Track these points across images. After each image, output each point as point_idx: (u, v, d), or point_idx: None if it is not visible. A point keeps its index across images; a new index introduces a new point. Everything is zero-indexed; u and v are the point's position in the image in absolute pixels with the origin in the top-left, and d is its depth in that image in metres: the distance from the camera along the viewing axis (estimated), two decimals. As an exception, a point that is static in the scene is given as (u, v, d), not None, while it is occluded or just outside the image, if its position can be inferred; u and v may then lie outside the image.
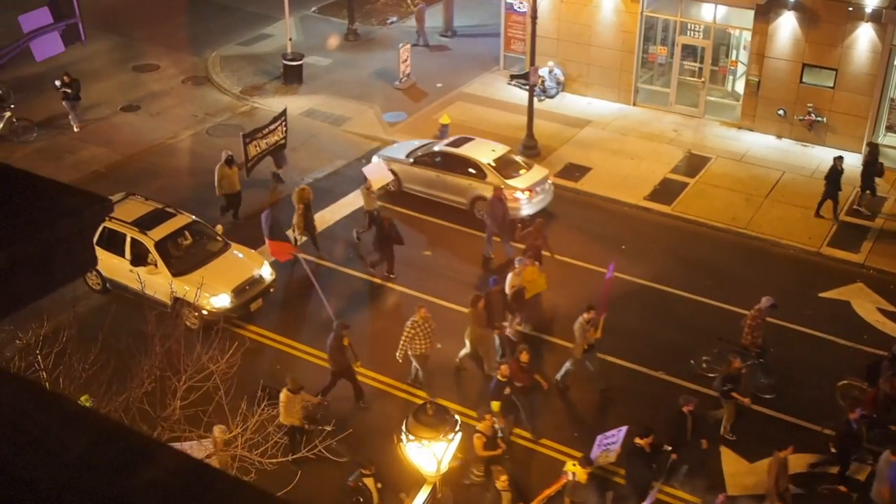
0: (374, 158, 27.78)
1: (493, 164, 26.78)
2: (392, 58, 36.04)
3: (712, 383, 19.86)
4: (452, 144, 28.01)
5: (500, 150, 27.60)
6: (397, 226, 24.75)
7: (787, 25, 30.09)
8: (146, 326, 15.39)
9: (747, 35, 31.46)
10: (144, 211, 23.84)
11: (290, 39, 35.91)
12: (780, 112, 31.00)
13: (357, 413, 20.31)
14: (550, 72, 33.88)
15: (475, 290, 21.98)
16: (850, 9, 28.86)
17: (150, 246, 22.84)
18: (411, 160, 27.92)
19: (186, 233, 23.74)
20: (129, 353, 15.26)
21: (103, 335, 15.34)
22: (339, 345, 19.78)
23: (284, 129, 28.74)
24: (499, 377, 18.74)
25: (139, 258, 22.84)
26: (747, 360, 19.97)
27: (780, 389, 20.56)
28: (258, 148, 27.93)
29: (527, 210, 26.30)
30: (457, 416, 11.52)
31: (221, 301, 22.35)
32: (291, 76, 35.56)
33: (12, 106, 32.11)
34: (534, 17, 29.09)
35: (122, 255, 22.97)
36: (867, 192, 27.49)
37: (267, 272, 23.57)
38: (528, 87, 30.22)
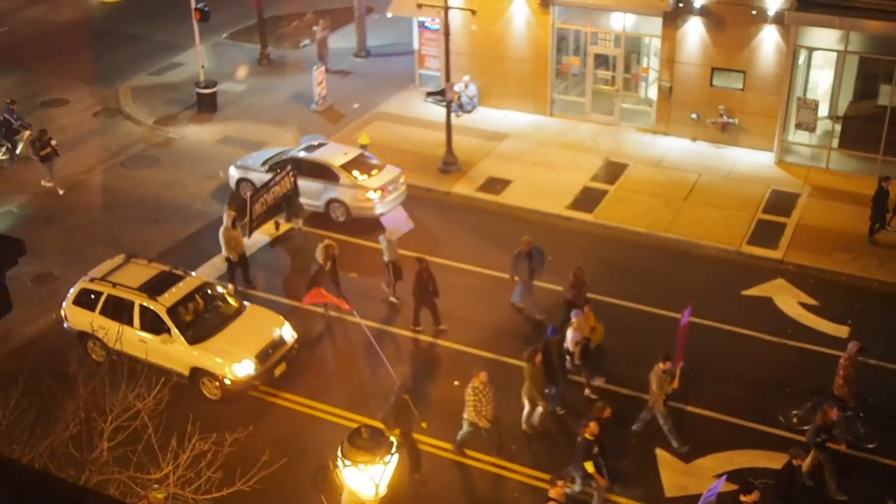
0: (398, 210, 25.61)
1: (345, 166, 27.80)
2: (307, 81, 35.92)
3: (805, 436, 18.76)
4: (306, 150, 28.94)
5: (353, 152, 28.75)
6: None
7: (694, 31, 30.63)
8: (68, 368, 15.00)
9: (657, 42, 31.94)
10: (150, 274, 22.17)
11: (203, 67, 35.61)
12: (694, 116, 31.52)
13: (415, 486, 18.74)
14: (466, 87, 34.02)
15: (531, 343, 20.60)
16: (754, 12, 29.49)
17: (163, 313, 21.16)
18: (266, 168, 28.49)
19: (198, 296, 22.05)
20: (52, 395, 14.84)
21: (24, 379, 14.89)
22: (400, 409, 18.35)
23: (293, 179, 26.75)
24: (587, 436, 17.46)
25: (150, 326, 21.24)
26: (846, 410, 19.01)
27: (881, 436, 19.60)
28: (265, 205, 25.78)
29: (380, 209, 27.49)
30: (392, 439, 11.39)
31: (245, 368, 20.84)
32: (205, 104, 35.18)
33: (30, 126, 32.03)
34: (447, 34, 29.21)
35: (129, 323, 21.10)
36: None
37: (288, 333, 22.02)
38: (444, 104, 30.30)
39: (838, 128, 30.60)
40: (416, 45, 36.45)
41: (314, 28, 38.87)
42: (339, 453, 11.09)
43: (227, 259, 24.72)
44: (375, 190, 27.42)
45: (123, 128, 34.43)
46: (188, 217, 28.42)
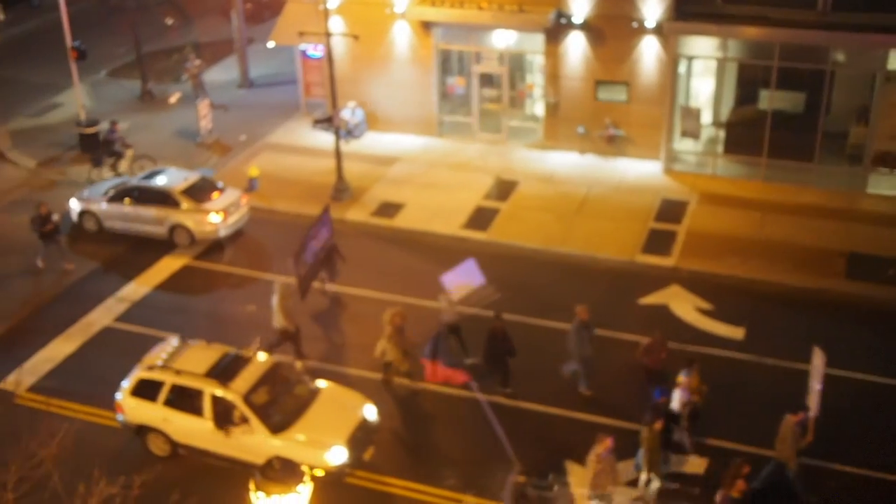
0: (468, 263, 22.54)
1: (186, 192, 28.11)
2: (191, 115, 35.33)
3: None
4: (145, 177, 29.16)
5: (193, 177, 29.00)
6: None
7: (576, 45, 30.94)
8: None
9: (540, 58, 32.17)
10: (214, 358, 20.11)
11: (83, 106, 34.75)
12: (580, 130, 31.80)
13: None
14: (352, 112, 33.83)
15: (650, 408, 18.40)
16: (634, 24, 29.92)
17: (238, 401, 19.11)
18: (107, 198, 28.65)
19: (272, 379, 19.98)
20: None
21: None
22: (518, 496, 16.93)
23: (329, 230, 24.89)
24: (733, 494, 16.32)
25: (224, 417, 19.23)
26: None
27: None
28: (305, 266, 23.88)
29: (223, 231, 27.89)
30: (304, 468, 11.35)
31: (337, 456, 18.78)
32: (88, 144, 34.30)
33: (132, 146, 32.84)
34: (330, 61, 29.00)
35: (198, 414, 19.38)
36: None
37: (372, 412, 20.04)
38: (332, 131, 30.03)
39: (722, 134, 31.26)
40: (299, 74, 36.21)
41: (185, 64, 38.39)
42: (251, 486, 10.96)
43: (281, 332, 22.34)
44: (217, 212, 27.70)
45: (3, 172, 33.34)
46: (75, 262, 27.58)
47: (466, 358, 22.03)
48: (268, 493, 11.10)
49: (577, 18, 30.49)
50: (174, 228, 27.88)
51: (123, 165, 32.33)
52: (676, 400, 19.12)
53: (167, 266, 27.26)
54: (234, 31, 39.72)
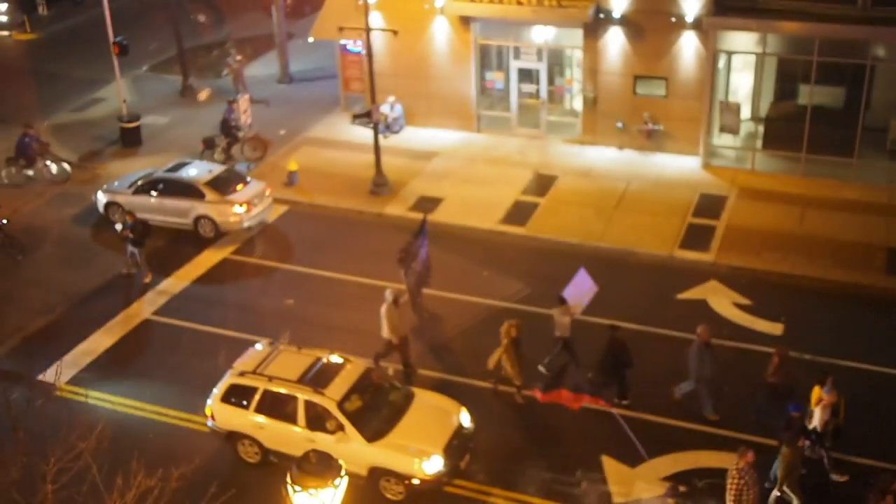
0: (581, 273, 22.33)
1: (210, 183, 28.56)
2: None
3: None
4: (170, 170, 29.62)
5: (217, 169, 29.61)
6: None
7: (615, 40, 30.91)
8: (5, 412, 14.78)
9: (579, 53, 32.17)
10: (307, 363, 19.58)
11: (124, 101, 35.11)
12: (619, 124, 31.79)
13: None
14: (391, 107, 33.98)
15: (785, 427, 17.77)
16: (673, 19, 29.86)
17: (333, 408, 18.66)
18: (132, 190, 29.11)
19: (366, 385, 19.51)
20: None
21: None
22: None
23: (425, 238, 24.08)
24: None
25: (318, 424, 18.85)
26: None
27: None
28: (415, 275, 23.51)
29: (247, 223, 28.33)
30: (340, 461, 11.41)
31: (435, 465, 18.27)
32: (129, 138, 34.75)
33: (241, 127, 33.61)
34: (370, 56, 29.15)
35: (291, 421, 19.01)
36: None
37: (467, 419, 19.54)
38: (371, 126, 30.18)
39: (761, 129, 31.14)
40: (338, 69, 36.43)
41: (226, 59, 38.79)
42: (288, 479, 11.01)
43: (399, 340, 21.67)
44: (241, 204, 28.11)
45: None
46: (119, 255, 27.94)
47: (578, 369, 21.23)
48: (304, 487, 11.09)
49: (616, 13, 30.48)
50: (199, 220, 28.33)
51: (234, 148, 32.97)
52: (818, 419, 18.39)
53: (207, 260, 27.52)
54: (275, 26, 39.97)
